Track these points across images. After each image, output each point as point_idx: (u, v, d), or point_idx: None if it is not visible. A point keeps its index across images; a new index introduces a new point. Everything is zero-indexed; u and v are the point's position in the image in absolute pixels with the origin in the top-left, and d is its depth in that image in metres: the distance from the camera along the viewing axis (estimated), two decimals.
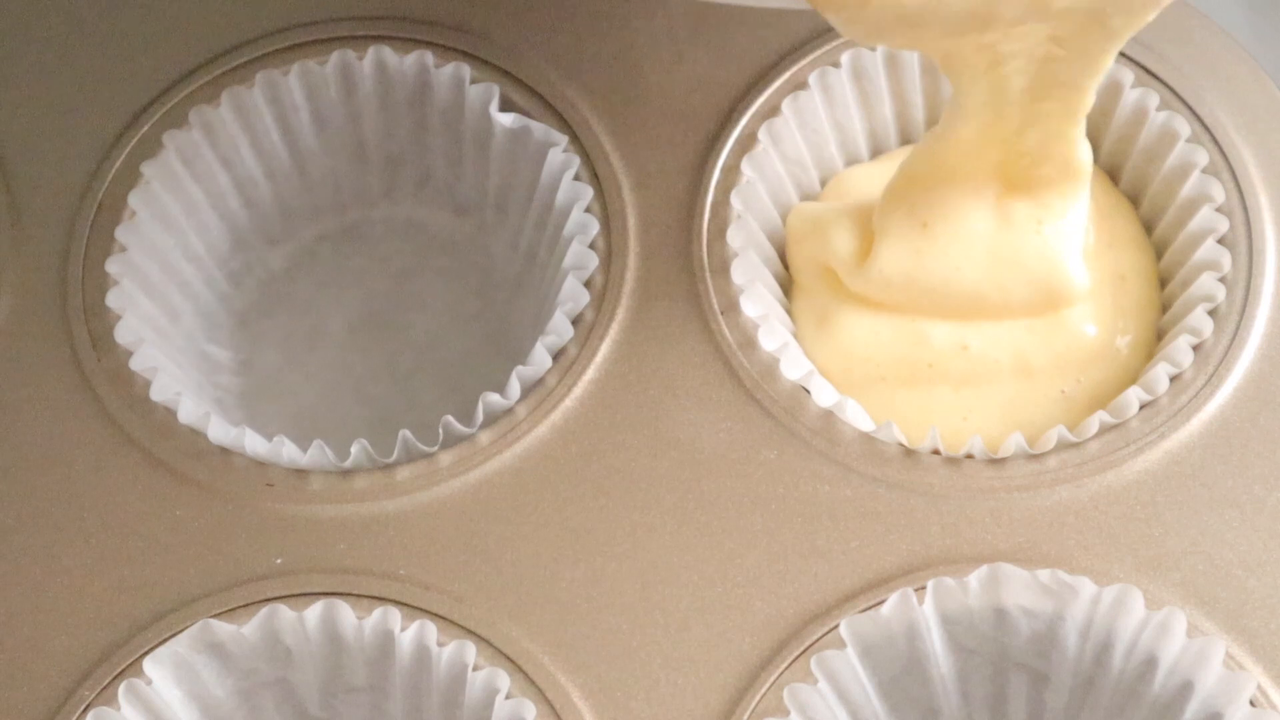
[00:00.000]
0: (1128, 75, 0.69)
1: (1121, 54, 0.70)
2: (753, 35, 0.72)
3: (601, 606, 0.62)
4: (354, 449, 0.65)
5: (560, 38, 0.72)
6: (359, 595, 0.62)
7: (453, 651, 0.61)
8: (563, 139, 0.70)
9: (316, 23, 0.73)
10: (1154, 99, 0.69)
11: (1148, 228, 0.70)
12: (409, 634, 0.61)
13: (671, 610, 0.62)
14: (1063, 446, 0.64)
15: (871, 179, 0.71)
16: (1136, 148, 0.70)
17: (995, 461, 0.64)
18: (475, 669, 0.61)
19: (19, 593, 0.63)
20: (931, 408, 0.66)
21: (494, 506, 0.64)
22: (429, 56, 0.71)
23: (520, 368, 0.66)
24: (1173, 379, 0.65)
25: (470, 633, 0.61)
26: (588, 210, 0.69)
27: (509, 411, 0.66)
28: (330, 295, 0.74)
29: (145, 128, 0.71)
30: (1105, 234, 0.69)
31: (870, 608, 0.61)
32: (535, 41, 0.72)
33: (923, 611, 0.60)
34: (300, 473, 0.65)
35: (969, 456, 0.64)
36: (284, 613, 0.61)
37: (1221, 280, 0.66)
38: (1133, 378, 0.66)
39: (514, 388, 0.66)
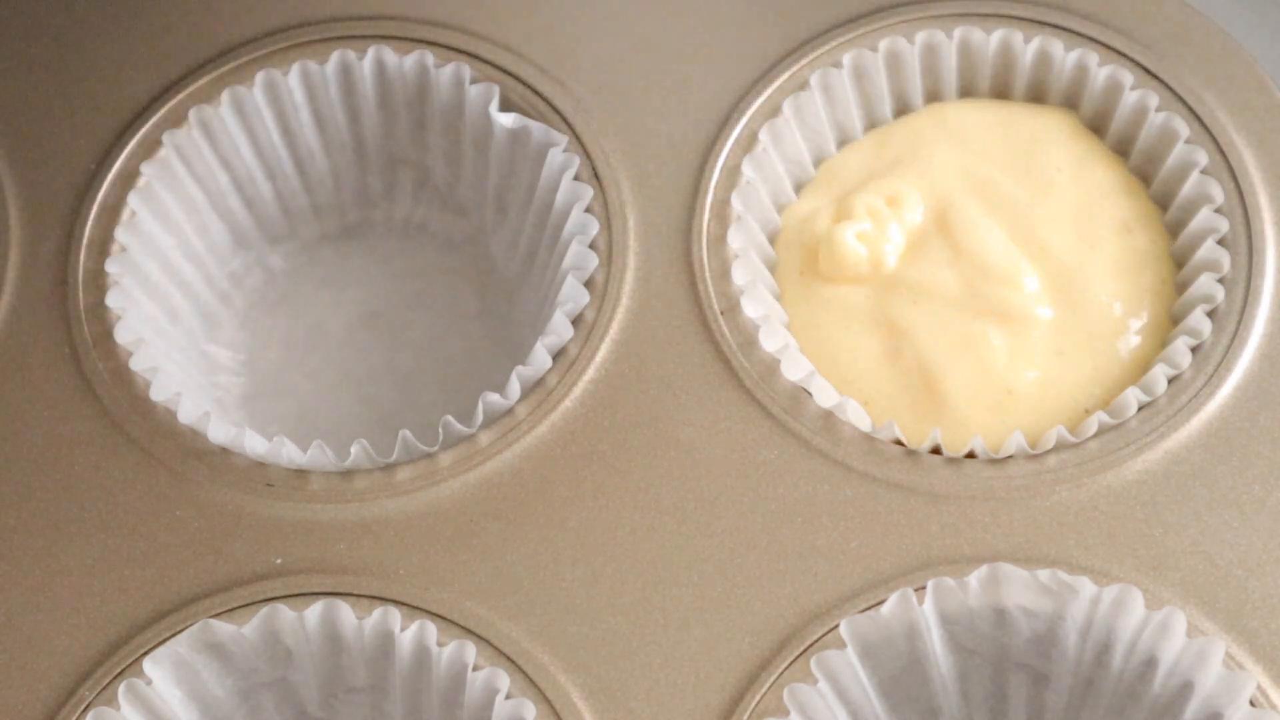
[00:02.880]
0: (1128, 76, 0.69)
1: (1121, 54, 0.70)
2: (753, 35, 0.72)
3: (601, 606, 0.62)
4: (354, 449, 0.65)
5: (560, 38, 0.72)
6: (359, 595, 0.62)
7: (453, 651, 0.61)
8: (563, 139, 0.70)
9: (316, 23, 0.73)
10: (1154, 99, 0.69)
11: None
12: (409, 634, 0.61)
13: (671, 610, 0.62)
14: (1063, 446, 0.64)
15: (861, 158, 0.71)
16: (1136, 148, 0.70)
17: (995, 461, 0.64)
18: (475, 669, 0.61)
19: (19, 593, 0.63)
20: (933, 427, 0.65)
21: (494, 506, 0.64)
22: (429, 56, 0.71)
23: (520, 368, 0.66)
24: (1171, 380, 0.65)
25: (470, 633, 0.61)
26: (588, 210, 0.69)
27: (509, 411, 0.66)
28: (330, 295, 0.74)
29: (145, 128, 0.71)
30: (1127, 215, 0.69)
31: (870, 608, 0.61)
32: (535, 41, 0.72)
33: (923, 611, 0.60)
34: (300, 473, 0.65)
35: (969, 456, 0.64)
36: (284, 613, 0.61)
37: (1220, 281, 0.66)
38: (1145, 369, 0.66)
39: (514, 388, 0.66)
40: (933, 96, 0.72)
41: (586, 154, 0.70)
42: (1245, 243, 0.67)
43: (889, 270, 0.68)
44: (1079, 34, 0.70)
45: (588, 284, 0.68)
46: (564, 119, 0.71)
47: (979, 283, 0.67)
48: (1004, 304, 0.66)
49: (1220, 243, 0.67)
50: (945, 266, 0.67)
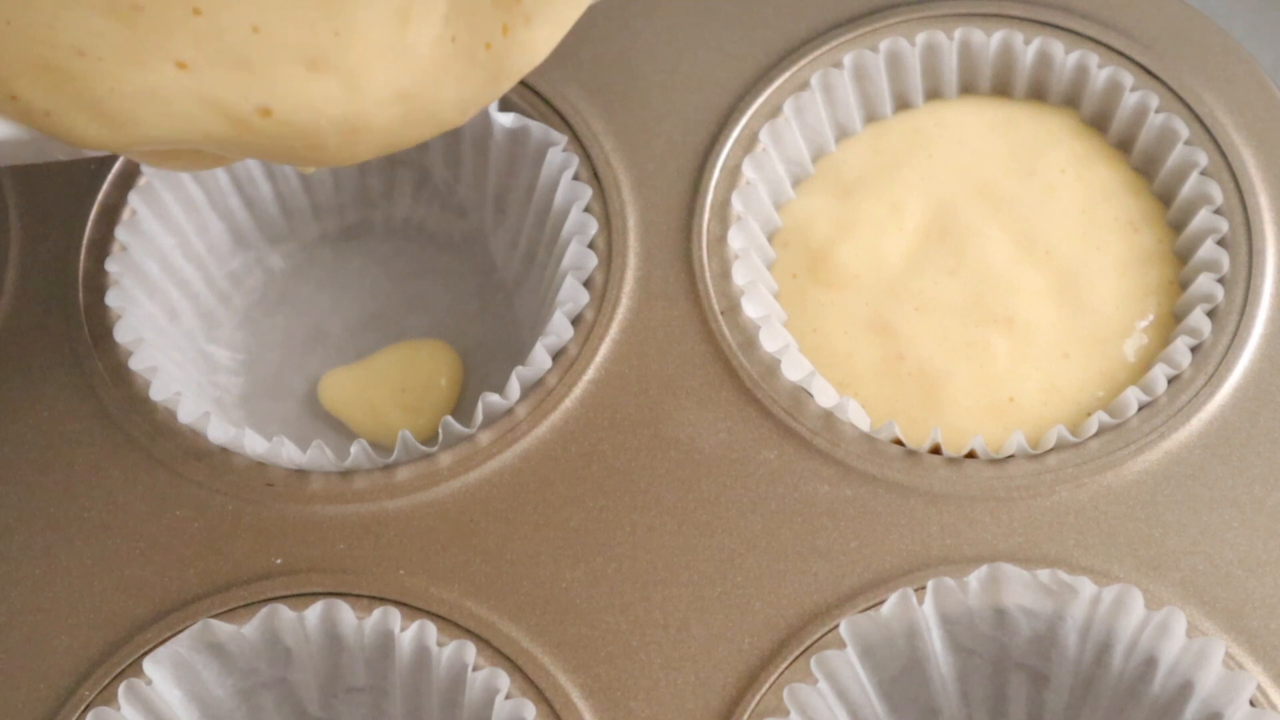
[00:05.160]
0: (1128, 77, 0.69)
1: (1121, 54, 0.70)
2: (753, 35, 0.72)
3: (601, 606, 0.62)
4: (354, 449, 0.65)
5: None
6: (359, 595, 0.62)
7: (453, 651, 0.61)
8: (562, 139, 0.70)
9: None
10: (1154, 100, 0.69)
11: None
12: (409, 634, 0.61)
13: (671, 610, 0.62)
14: (1063, 446, 0.64)
15: (861, 155, 0.71)
16: (1136, 149, 0.70)
17: (995, 461, 0.64)
18: (475, 669, 0.61)
19: (19, 593, 0.63)
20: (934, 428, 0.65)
21: (494, 506, 0.64)
22: None
23: (520, 368, 0.66)
24: (1171, 380, 0.65)
25: (470, 633, 0.61)
26: (587, 210, 0.69)
27: (509, 411, 0.66)
28: (330, 295, 0.74)
29: None
30: (1132, 213, 0.68)
31: (870, 608, 0.61)
32: None
33: (923, 611, 0.60)
34: (300, 473, 0.65)
35: (970, 456, 0.64)
36: (284, 613, 0.61)
37: (1220, 281, 0.66)
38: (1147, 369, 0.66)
39: (514, 388, 0.66)
40: (933, 97, 0.72)
41: (586, 154, 0.70)
42: (1245, 243, 0.67)
43: (890, 277, 0.68)
44: (1079, 34, 0.70)
45: (587, 284, 0.68)
46: (563, 119, 0.71)
47: (982, 291, 0.67)
48: (1007, 312, 0.66)
49: (1220, 243, 0.67)
50: (947, 275, 0.67)
